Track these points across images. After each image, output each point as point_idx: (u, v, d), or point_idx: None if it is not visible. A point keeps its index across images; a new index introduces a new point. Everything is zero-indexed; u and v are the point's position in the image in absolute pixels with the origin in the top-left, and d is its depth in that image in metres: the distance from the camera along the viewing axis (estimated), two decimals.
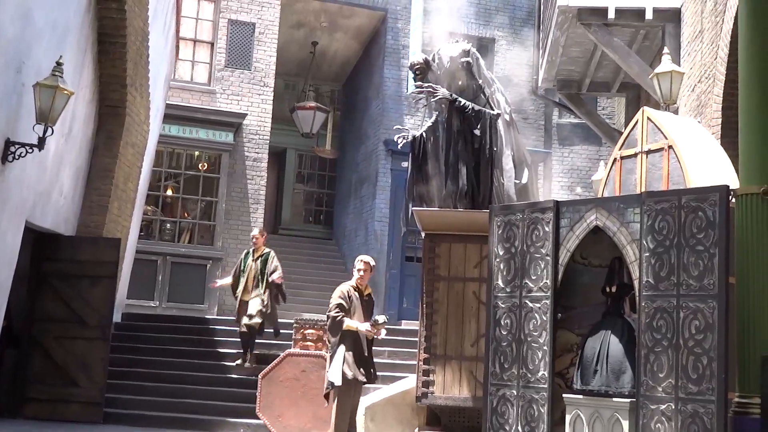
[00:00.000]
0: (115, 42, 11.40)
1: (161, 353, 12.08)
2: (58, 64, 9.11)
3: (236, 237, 17.16)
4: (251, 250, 11.87)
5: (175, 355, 12.04)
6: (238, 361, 11.59)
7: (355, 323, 8.33)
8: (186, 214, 17.56)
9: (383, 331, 8.49)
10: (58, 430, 8.91)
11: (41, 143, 9.05)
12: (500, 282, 6.82)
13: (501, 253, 6.87)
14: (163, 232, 17.21)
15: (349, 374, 8.20)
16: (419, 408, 9.39)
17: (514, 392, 6.51)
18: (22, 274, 10.07)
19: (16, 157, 8.98)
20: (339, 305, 8.37)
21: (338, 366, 8.26)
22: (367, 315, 8.56)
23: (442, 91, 9.78)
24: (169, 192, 17.60)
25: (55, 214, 10.69)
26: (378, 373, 10.79)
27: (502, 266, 6.84)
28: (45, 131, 9.03)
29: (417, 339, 9.77)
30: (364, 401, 9.65)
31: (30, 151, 9.05)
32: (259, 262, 11.65)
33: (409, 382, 9.90)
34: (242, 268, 11.77)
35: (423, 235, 9.62)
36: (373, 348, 8.69)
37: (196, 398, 10.86)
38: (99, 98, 11.73)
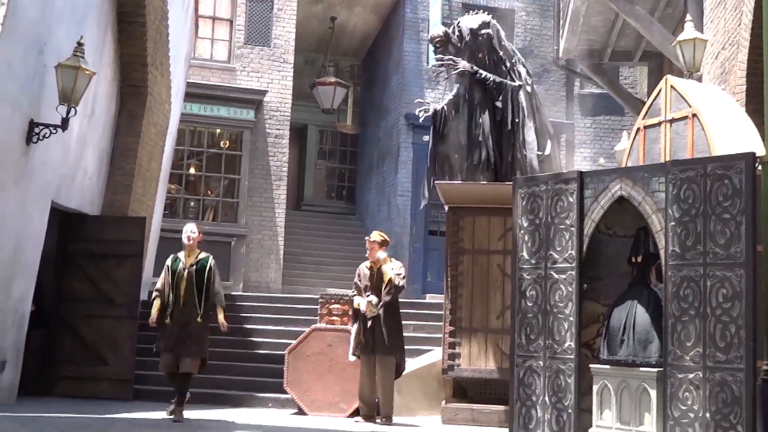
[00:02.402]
0: (134, 21, 11.42)
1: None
2: (79, 44, 9.14)
3: (260, 214, 17.24)
4: (181, 255, 8.68)
5: None
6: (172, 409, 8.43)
7: (357, 300, 8.86)
8: (209, 192, 17.63)
9: (369, 311, 8.66)
10: (88, 407, 9.00)
11: (65, 124, 9.10)
12: (525, 254, 6.82)
13: (525, 224, 6.86)
14: (187, 210, 17.30)
15: (355, 348, 8.77)
16: (445, 380, 9.43)
17: (541, 363, 6.52)
18: (49, 254, 10.16)
19: (40, 138, 9.05)
20: (354, 284, 9.03)
21: (351, 341, 8.89)
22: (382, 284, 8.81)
23: (463, 64, 9.74)
24: (192, 170, 17.67)
25: (80, 195, 10.77)
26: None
27: (526, 238, 6.83)
28: (68, 112, 9.08)
29: (442, 312, 9.80)
30: None
31: (54, 132, 9.11)
32: (194, 270, 8.52)
33: (435, 355, 9.93)
34: (170, 279, 8.54)
35: (446, 208, 9.62)
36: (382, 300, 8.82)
37: (224, 374, 10.92)
38: (120, 78, 11.78)
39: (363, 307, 8.68)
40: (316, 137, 21.54)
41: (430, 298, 14.34)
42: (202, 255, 8.66)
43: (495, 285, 9.22)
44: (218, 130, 17.69)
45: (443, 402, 9.22)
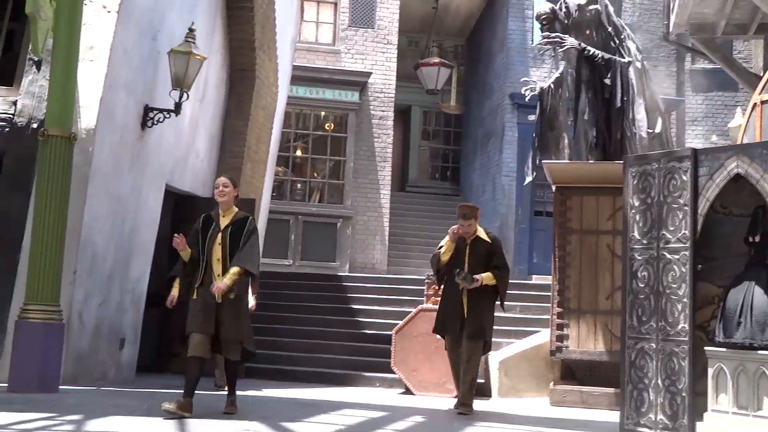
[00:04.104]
0: (242, 6, 11.65)
1: (297, 310, 12.39)
2: (191, 30, 9.36)
3: (365, 195, 17.38)
4: (216, 213, 6.75)
5: (310, 312, 12.32)
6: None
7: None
8: (315, 174, 17.87)
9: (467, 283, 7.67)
10: (201, 384, 9.26)
11: (178, 108, 9.35)
12: (636, 234, 6.67)
13: (636, 204, 6.71)
14: (294, 192, 17.59)
15: (437, 327, 8.05)
16: (553, 362, 9.36)
17: (653, 345, 6.38)
18: (163, 235, 10.47)
19: (155, 122, 9.33)
20: (435, 255, 8.14)
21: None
22: (476, 260, 7.83)
23: (570, 41, 9.59)
24: (299, 152, 17.93)
25: (192, 177, 11.06)
26: (508, 328, 10.81)
27: (637, 217, 6.68)
28: (181, 96, 9.33)
29: (548, 293, 9.71)
30: (497, 356, 9.68)
31: (167, 116, 9.38)
32: (230, 232, 6.63)
33: (542, 336, 9.86)
34: (201, 242, 6.67)
35: (553, 188, 9.51)
36: (505, 302, 8.15)
37: (331, 353, 11.10)
38: (229, 62, 12.02)
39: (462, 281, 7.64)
40: (420, 118, 21.54)
41: (536, 279, 14.23)
42: (241, 215, 6.74)
43: (604, 266, 9.09)
44: (323, 113, 17.89)
45: (551, 384, 9.15)
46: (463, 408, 7.62)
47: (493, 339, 10.13)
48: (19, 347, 7.47)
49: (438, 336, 8.25)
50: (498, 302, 8.02)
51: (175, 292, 6.95)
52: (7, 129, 8.47)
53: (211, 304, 6.43)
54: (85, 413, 6.20)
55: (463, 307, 7.72)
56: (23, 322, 7.53)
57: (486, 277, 7.71)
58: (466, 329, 7.69)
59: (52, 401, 6.90)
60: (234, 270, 6.47)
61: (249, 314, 6.83)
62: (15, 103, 8.53)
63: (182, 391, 6.37)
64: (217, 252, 6.56)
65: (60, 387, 7.58)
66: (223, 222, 6.64)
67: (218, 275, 6.49)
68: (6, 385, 7.46)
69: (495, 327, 10.56)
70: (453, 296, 7.81)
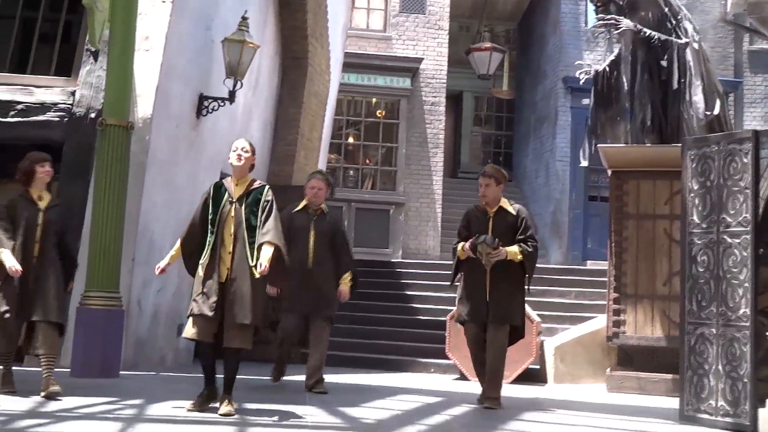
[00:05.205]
0: None
1: (351, 296, 12.38)
2: (244, 18, 9.42)
3: (417, 182, 17.36)
4: (227, 182, 5.99)
5: (364, 298, 12.29)
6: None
7: (461, 244, 6.87)
8: (368, 161, 17.89)
9: (493, 256, 6.63)
10: (259, 369, 9.36)
11: (232, 97, 9.42)
12: (695, 218, 6.57)
13: (695, 187, 6.60)
14: (347, 179, 17.63)
15: (456, 313, 7.23)
16: (610, 348, 9.28)
17: (713, 331, 6.28)
18: None
19: (209, 111, 9.41)
20: (458, 232, 7.08)
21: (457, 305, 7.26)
22: (500, 235, 6.75)
23: (626, 23, 9.46)
24: (351, 140, 17.96)
25: None
26: (564, 314, 10.74)
27: (696, 201, 6.58)
28: (234, 85, 9.40)
29: (603, 279, 9.63)
30: (553, 342, 9.63)
31: (222, 104, 9.46)
32: (245, 204, 5.82)
33: (599, 322, 9.78)
34: (211, 212, 5.84)
35: (609, 172, 9.40)
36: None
37: (386, 339, 11.11)
38: (282, 51, 12.08)
39: (468, 248, 6.70)
40: (472, 104, 21.43)
41: (591, 265, 14.09)
42: (256, 184, 5.95)
43: (661, 250, 8.98)
44: (375, 99, 17.89)
45: (608, 370, 9.07)
46: (490, 402, 6.66)
47: (549, 325, 10.19)
48: (80, 333, 7.62)
49: (459, 324, 7.22)
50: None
51: (167, 259, 6.03)
52: (66, 119, 8.62)
53: (221, 284, 5.69)
54: (145, 398, 6.30)
55: (486, 289, 6.77)
56: (84, 308, 7.68)
57: (510, 252, 6.64)
58: (491, 313, 6.72)
59: (113, 386, 7.02)
60: (269, 250, 5.60)
61: (265, 294, 5.95)
62: (73, 93, 8.68)
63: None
64: (230, 226, 5.73)
65: (120, 372, 7.71)
66: (237, 192, 5.83)
67: (229, 252, 5.69)
68: (68, 370, 7.61)
69: (551, 313, 10.62)
70: (475, 278, 6.84)
